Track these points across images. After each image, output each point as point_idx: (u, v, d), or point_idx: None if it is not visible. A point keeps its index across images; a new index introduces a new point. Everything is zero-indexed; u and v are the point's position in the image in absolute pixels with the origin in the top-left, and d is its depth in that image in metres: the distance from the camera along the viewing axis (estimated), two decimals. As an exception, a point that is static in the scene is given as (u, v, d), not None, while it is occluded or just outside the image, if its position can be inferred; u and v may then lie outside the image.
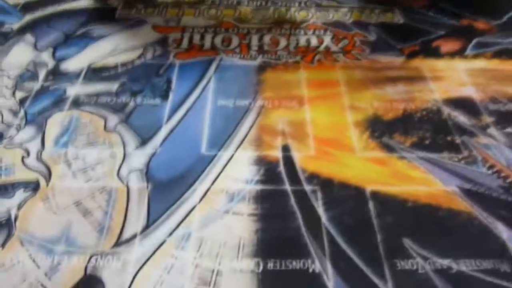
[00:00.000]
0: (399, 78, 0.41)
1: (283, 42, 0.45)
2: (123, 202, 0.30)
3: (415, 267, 0.27)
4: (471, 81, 0.40)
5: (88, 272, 0.26)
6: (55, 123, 0.35)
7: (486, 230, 0.29)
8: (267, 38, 0.45)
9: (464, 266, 0.27)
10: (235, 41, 0.44)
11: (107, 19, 0.46)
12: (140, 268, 0.27)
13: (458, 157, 0.33)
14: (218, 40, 0.44)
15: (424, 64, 0.42)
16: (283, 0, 0.51)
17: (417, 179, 0.32)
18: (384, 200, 0.30)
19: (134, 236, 0.28)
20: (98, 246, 0.28)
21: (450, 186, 0.31)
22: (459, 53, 0.44)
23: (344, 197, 0.30)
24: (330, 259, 0.27)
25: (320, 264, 0.27)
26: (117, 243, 0.28)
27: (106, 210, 0.29)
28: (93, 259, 0.27)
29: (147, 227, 0.29)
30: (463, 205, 0.30)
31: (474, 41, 0.45)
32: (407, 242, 0.28)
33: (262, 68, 0.41)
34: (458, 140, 0.35)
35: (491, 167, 0.33)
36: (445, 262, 0.27)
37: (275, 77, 0.41)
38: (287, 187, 0.31)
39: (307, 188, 0.31)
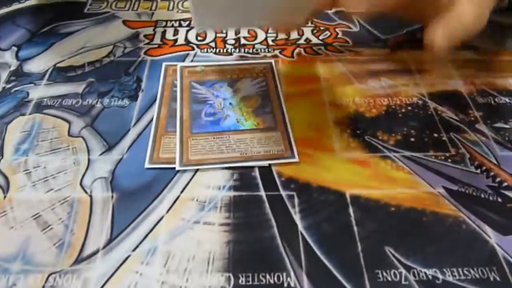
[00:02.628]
0: (383, 72, 0.38)
1: (261, 35, 0.42)
2: (85, 214, 0.28)
3: (398, 278, 0.25)
4: (458, 73, 0.38)
5: (45, 293, 0.24)
6: (16, 128, 0.33)
7: (474, 235, 0.27)
8: (244, 31, 0.42)
9: (451, 276, 0.25)
10: (210, 35, 0.42)
11: (75, 15, 0.44)
12: (102, 286, 0.25)
13: (445, 156, 0.31)
14: (192, 35, 0.42)
15: (409, 56, 0.40)
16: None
17: (401, 180, 0.30)
18: (365, 205, 0.28)
19: (96, 252, 0.26)
20: (57, 264, 0.25)
21: (436, 188, 0.29)
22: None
23: (323, 203, 0.29)
24: (306, 272, 0.25)
25: (295, 278, 0.25)
26: (78, 260, 0.26)
27: (67, 223, 0.27)
28: (51, 279, 0.25)
29: (110, 241, 0.26)
30: (450, 207, 0.28)
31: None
32: (390, 250, 0.26)
33: (238, 64, 0.39)
34: (445, 137, 0.33)
35: (479, 166, 0.31)
36: (430, 272, 0.25)
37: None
38: (262, 192, 0.29)
39: (284, 193, 0.29)
